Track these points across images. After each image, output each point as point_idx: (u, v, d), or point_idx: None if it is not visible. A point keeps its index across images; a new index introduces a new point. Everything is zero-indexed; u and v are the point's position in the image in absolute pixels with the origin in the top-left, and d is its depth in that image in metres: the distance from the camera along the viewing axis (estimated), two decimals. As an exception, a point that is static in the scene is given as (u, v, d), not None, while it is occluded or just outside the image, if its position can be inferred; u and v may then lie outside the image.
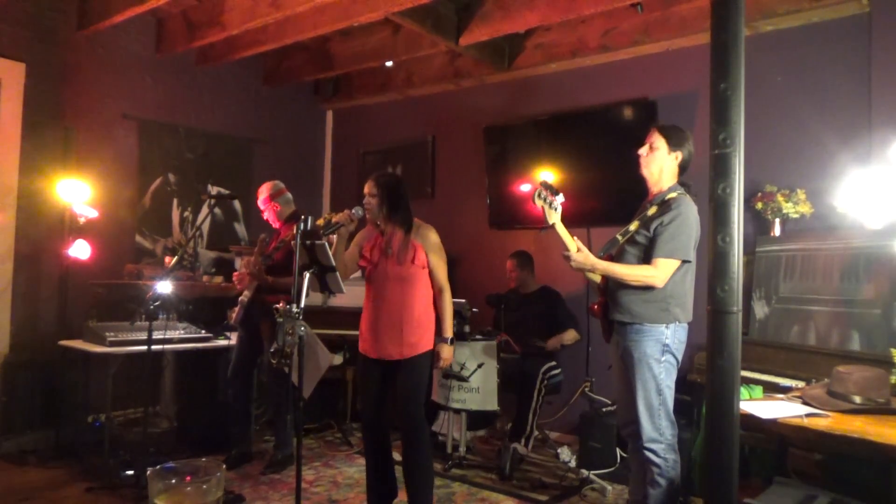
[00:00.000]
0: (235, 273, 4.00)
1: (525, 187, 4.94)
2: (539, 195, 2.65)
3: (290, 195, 4.02)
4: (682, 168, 2.74)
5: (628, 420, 2.80)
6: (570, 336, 4.27)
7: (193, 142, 5.27)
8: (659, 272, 2.58)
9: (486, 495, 3.57)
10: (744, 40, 1.84)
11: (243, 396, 3.98)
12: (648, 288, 2.60)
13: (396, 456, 3.15)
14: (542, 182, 2.67)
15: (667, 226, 2.59)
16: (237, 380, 3.94)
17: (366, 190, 3.05)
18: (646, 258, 2.65)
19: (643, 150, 2.72)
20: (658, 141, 2.70)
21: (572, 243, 2.65)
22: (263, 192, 3.97)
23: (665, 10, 4.18)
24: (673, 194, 2.69)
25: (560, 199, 2.66)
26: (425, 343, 3.00)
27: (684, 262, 2.63)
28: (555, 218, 2.65)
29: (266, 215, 3.98)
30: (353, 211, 2.98)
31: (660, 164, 2.70)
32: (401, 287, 2.98)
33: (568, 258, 2.63)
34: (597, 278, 2.85)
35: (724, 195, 1.82)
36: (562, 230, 2.66)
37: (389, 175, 3.17)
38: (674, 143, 2.69)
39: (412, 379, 2.97)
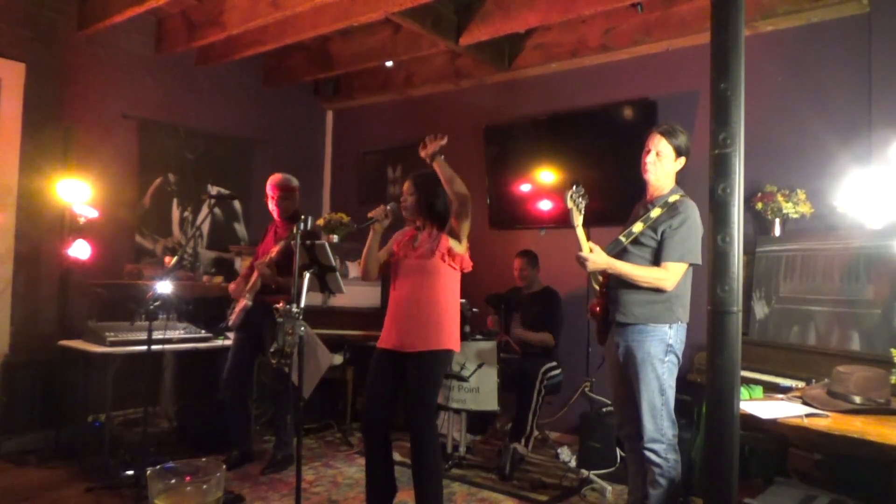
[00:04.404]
0: (231, 285, 3.99)
1: (526, 188, 4.95)
2: (571, 196, 2.65)
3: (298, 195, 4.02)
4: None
5: (626, 420, 2.81)
6: (540, 337, 4.25)
7: (193, 142, 5.27)
8: (670, 275, 2.60)
9: (486, 495, 3.57)
10: (744, 40, 1.84)
11: (241, 397, 3.98)
12: (655, 289, 2.62)
13: (396, 456, 3.15)
14: (576, 182, 2.66)
15: (676, 229, 2.61)
16: (234, 381, 3.93)
17: (404, 188, 3.08)
18: (653, 259, 2.66)
19: (650, 158, 2.72)
20: (666, 148, 2.69)
21: (587, 245, 2.65)
22: (278, 181, 3.92)
23: (665, 10, 4.18)
24: (676, 196, 2.70)
25: (586, 201, 2.67)
26: (444, 340, 2.93)
27: (692, 265, 2.66)
28: (579, 220, 2.66)
29: (270, 204, 3.94)
30: (389, 206, 2.99)
31: (666, 170, 2.72)
32: (421, 278, 2.96)
33: (583, 259, 2.63)
34: (597, 282, 2.86)
35: (724, 195, 1.82)
36: (581, 233, 2.67)
37: (428, 175, 3.09)
38: (680, 149, 2.71)
39: (425, 374, 2.91)
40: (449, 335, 2.97)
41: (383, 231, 3.07)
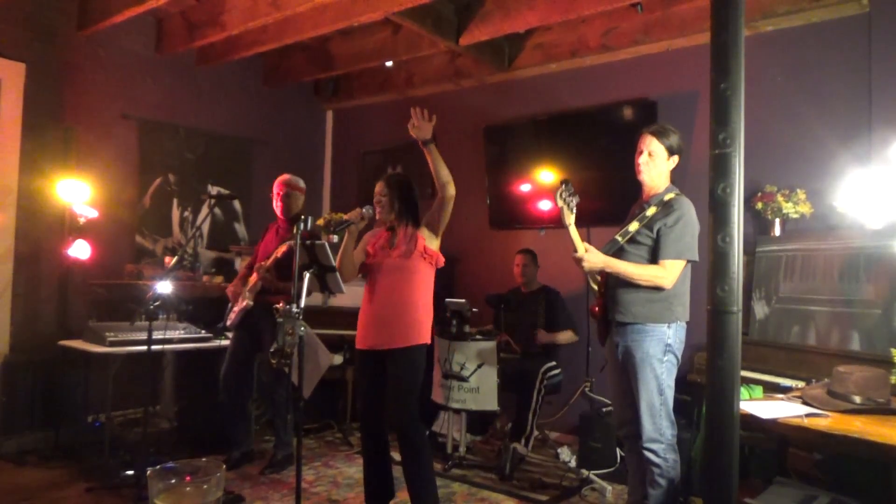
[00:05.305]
0: (229, 288, 4.00)
1: (526, 188, 4.95)
2: (561, 195, 2.66)
3: (303, 197, 4.04)
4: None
5: (626, 420, 2.81)
6: (565, 336, 4.26)
7: (193, 142, 5.27)
8: (668, 273, 2.61)
9: (486, 495, 3.57)
10: (744, 40, 1.84)
11: (240, 397, 3.98)
12: (654, 288, 2.62)
13: (395, 456, 3.15)
14: (565, 181, 2.67)
15: (672, 227, 2.61)
16: (233, 381, 3.92)
17: (377, 190, 3.10)
18: (650, 258, 2.66)
19: (642, 158, 2.73)
20: (657, 148, 2.71)
21: (581, 245, 2.66)
22: (287, 178, 3.95)
23: (665, 10, 4.18)
24: (671, 195, 2.72)
25: (577, 200, 2.68)
26: (420, 335, 2.97)
27: (689, 261, 2.66)
28: (571, 219, 2.67)
29: (275, 202, 3.95)
30: (364, 209, 3.01)
31: (659, 170, 2.73)
32: (400, 276, 2.98)
33: (579, 260, 2.64)
34: (595, 282, 2.86)
35: (724, 195, 1.82)
36: (574, 232, 2.67)
37: (400, 175, 3.19)
38: (672, 148, 2.71)
39: (404, 371, 2.92)
40: (423, 330, 3.01)
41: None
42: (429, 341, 3.04)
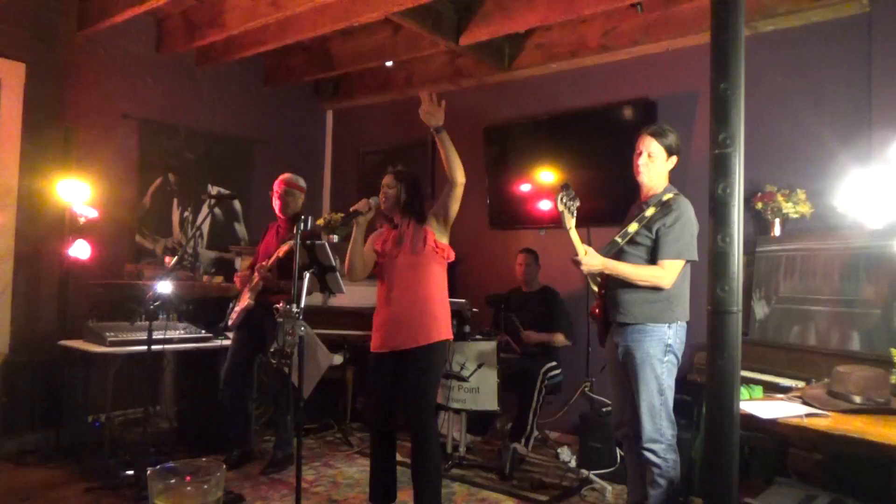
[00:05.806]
0: (237, 275, 4.01)
1: (526, 188, 4.95)
2: (561, 199, 2.66)
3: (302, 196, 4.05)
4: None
5: (624, 421, 2.81)
6: (556, 339, 4.25)
7: (193, 142, 5.27)
8: (667, 273, 2.61)
9: (486, 495, 3.57)
10: (744, 40, 1.84)
11: (241, 397, 3.97)
12: (653, 288, 2.62)
13: (397, 456, 3.15)
14: (565, 185, 2.68)
15: (670, 227, 2.61)
16: (234, 380, 3.93)
17: (385, 181, 3.07)
18: (650, 259, 2.67)
19: (642, 160, 2.73)
20: (656, 149, 2.71)
21: (581, 248, 2.66)
22: (287, 177, 3.97)
23: (665, 10, 4.18)
24: (669, 195, 2.72)
25: (577, 203, 2.68)
26: (440, 332, 2.94)
27: (688, 261, 2.66)
28: (571, 223, 2.67)
29: (274, 199, 3.95)
30: (371, 200, 3.00)
31: (658, 170, 2.73)
32: (415, 274, 2.95)
33: (578, 262, 2.64)
34: (596, 283, 2.86)
35: (724, 195, 1.82)
36: (574, 236, 2.68)
37: (407, 171, 3.14)
38: (671, 149, 2.71)
39: (426, 369, 2.91)
40: (443, 326, 2.98)
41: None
42: (450, 336, 3.02)
